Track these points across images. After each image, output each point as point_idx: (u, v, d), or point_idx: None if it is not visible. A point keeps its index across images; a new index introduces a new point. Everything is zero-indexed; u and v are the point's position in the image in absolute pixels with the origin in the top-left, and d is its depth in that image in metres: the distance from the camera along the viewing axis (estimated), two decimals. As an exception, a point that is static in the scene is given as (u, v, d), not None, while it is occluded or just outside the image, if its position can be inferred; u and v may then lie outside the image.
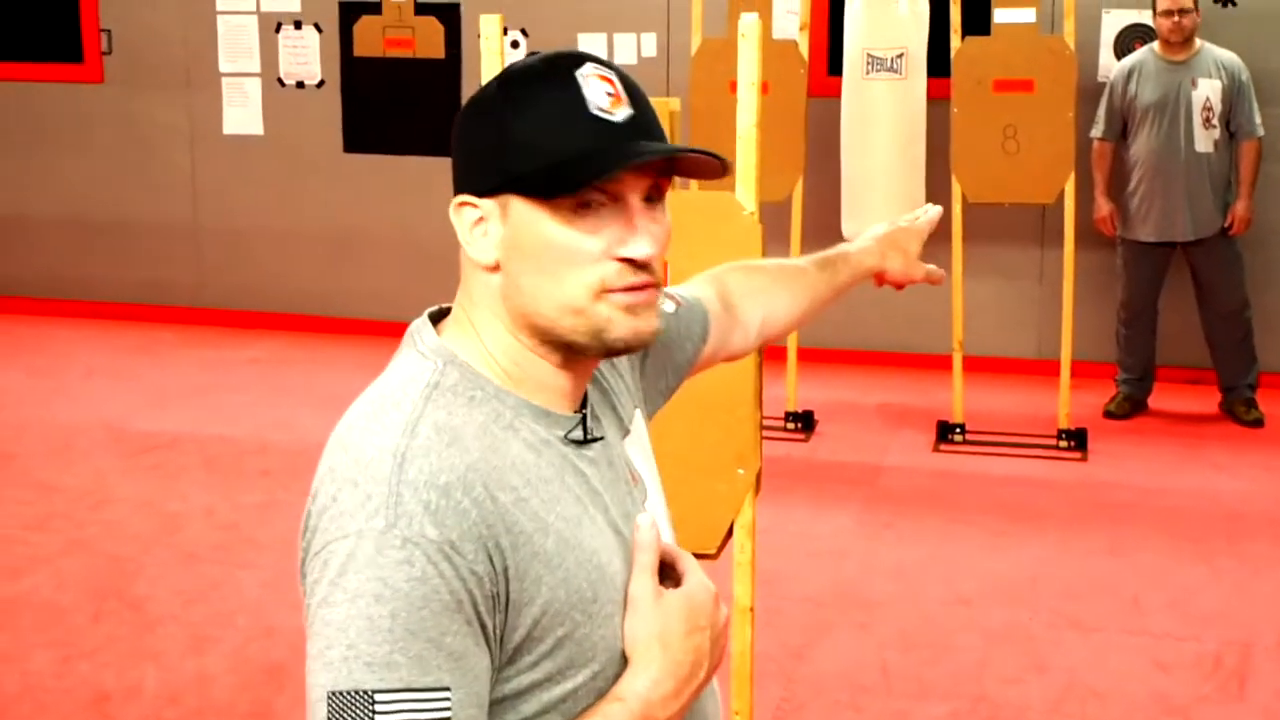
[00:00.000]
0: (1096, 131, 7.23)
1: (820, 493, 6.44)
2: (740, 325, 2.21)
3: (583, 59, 1.61)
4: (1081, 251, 7.36)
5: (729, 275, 2.24)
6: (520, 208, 1.58)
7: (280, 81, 8.90)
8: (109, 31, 9.10)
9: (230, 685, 4.74)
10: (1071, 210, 6.83)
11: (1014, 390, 7.81)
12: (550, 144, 1.56)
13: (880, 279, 2.44)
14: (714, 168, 1.65)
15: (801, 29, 7.05)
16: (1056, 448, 6.91)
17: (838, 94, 7.65)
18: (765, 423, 7.03)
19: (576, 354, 1.63)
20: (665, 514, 1.82)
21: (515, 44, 8.45)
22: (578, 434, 1.65)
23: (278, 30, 8.85)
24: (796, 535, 5.94)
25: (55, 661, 4.89)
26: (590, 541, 1.59)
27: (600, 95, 1.58)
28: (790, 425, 7.20)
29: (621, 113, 1.58)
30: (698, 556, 3.06)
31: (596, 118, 1.57)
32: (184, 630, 5.11)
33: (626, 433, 1.80)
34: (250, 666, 4.84)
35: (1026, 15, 6.74)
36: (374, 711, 1.43)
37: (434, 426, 1.53)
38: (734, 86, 7.01)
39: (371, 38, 8.67)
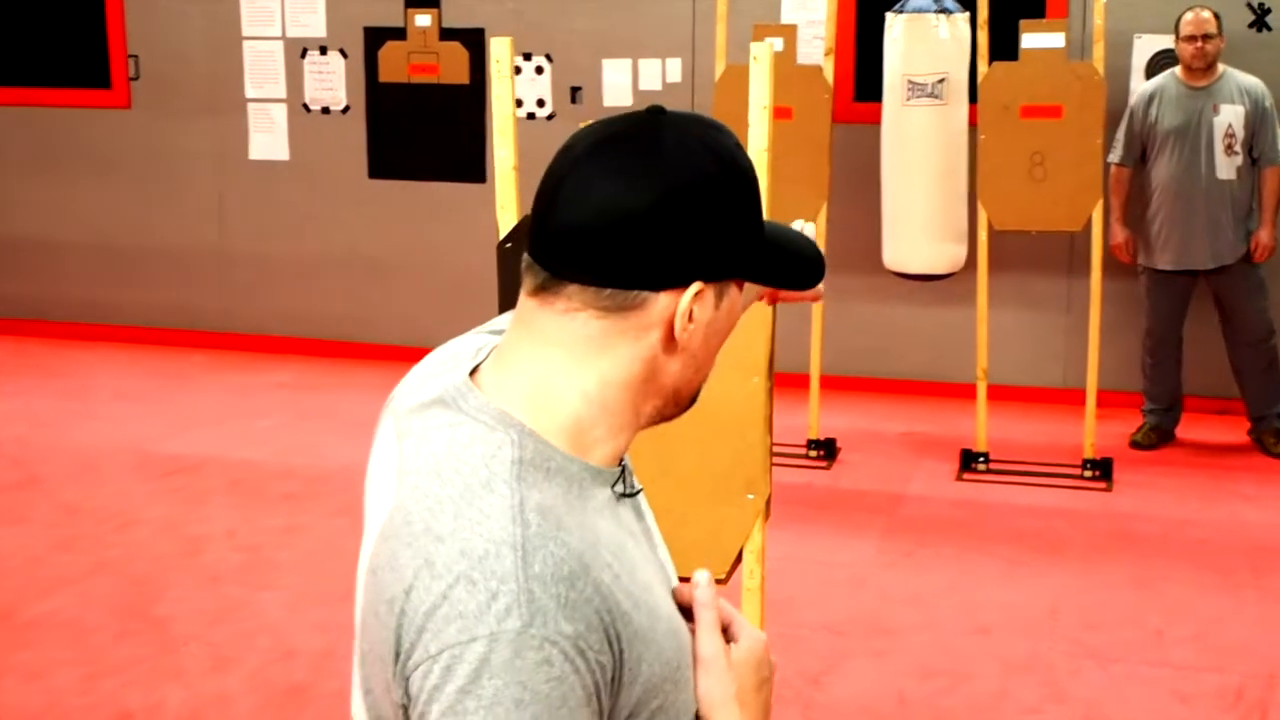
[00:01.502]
0: (1114, 156, 7.20)
1: (841, 521, 6.42)
2: None
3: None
4: (1109, 280, 7.35)
5: None
6: (735, 294, 1.60)
7: (306, 107, 8.93)
8: (136, 57, 9.16)
9: (250, 705, 4.75)
10: (1099, 238, 6.81)
11: (1040, 420, 7.78)
12: (788, 238, 1.68)
13: (771, 294, 2.29)
14: None
15: (826, 54, 7.06)
16: (1081, 477, 6.89)
17: (865, 120, 7.66)
18: (787, 450, 7.08)
19: (664, 419, 1.66)
20: (667, 552, 1.78)
21: (540, 70, 8.48)
22: (620, 487, 1.62)
23: (303, 56, 8.89)
24: (816, 563, 5.93)
25: (79, 680, 4.91)
26: (664, 606, 1.57)
27: None
28: (813, 453, 7.19)
29: None
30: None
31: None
32: (206, 650, 5.13)
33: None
34: (270, 687, 4.86)
35: (1055, 40, 6.72)
36: None
37: (539, 510, 1.47)
38: (758, 113, 7.04)
39: (396, 63, 8.71)
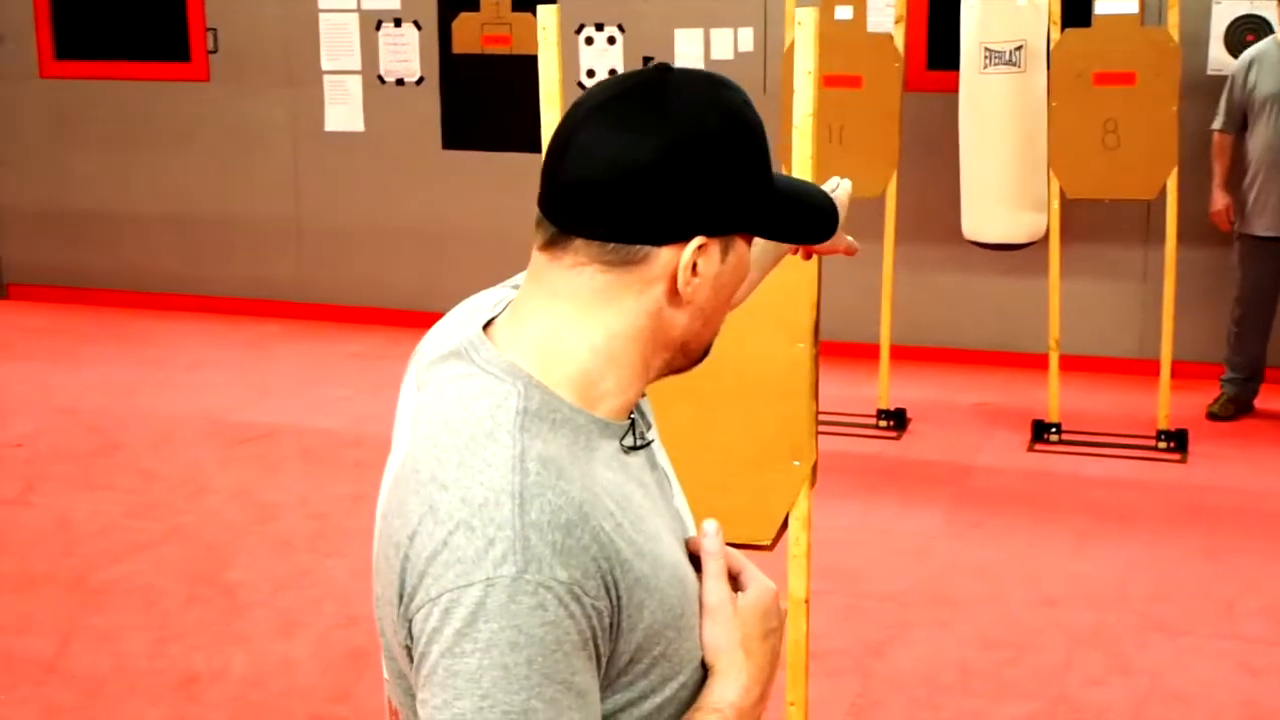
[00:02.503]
0: (1217, 124, 7.09)
1: (909, 491, 6.39)
2: None
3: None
4: (1188, 249, 7.27)
5: None
6: (742, 247, 1.61)
7: (380, 79, 8.97)
8: (214, 31, 9.23)
9: (313, 669, 4.81)
10: (1173, 207, 6.72)
11: (1115, 391, 7.71)
12: (800, 190, 1.69)
13: (807, 247, 2.37)
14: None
15: (897, 22, 7.01)
16: (1155, 449, 6.81)
17: (938, 88, 7.60)
18: (856, 420, 7.07)
19: (676, 371, 1.67)
20: (686, 507, 1.79)
21: (612, 40, 8.48)
22: (629, 439, 1.63)
23: (378, 28, 8.92)
24: (882, 533, 5.91)
25: (148, 643, 4.99)
26: (669, 554, 1.58)
27: None
28: (883, 423, 7.16)
29: None
30: (752, 548, 3.07)
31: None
32: (272, 615, 5.19)
33: (649, 425, 1.77)
34: (334, 652, 4.91)
35: (1128, 6, 6.63)
36: None
37: (539, 460, 1.50)
38: (827, 80, 7.04)
39: (470, 34, 8.72)
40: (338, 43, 8.99)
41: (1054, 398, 6.94)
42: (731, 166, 1.57)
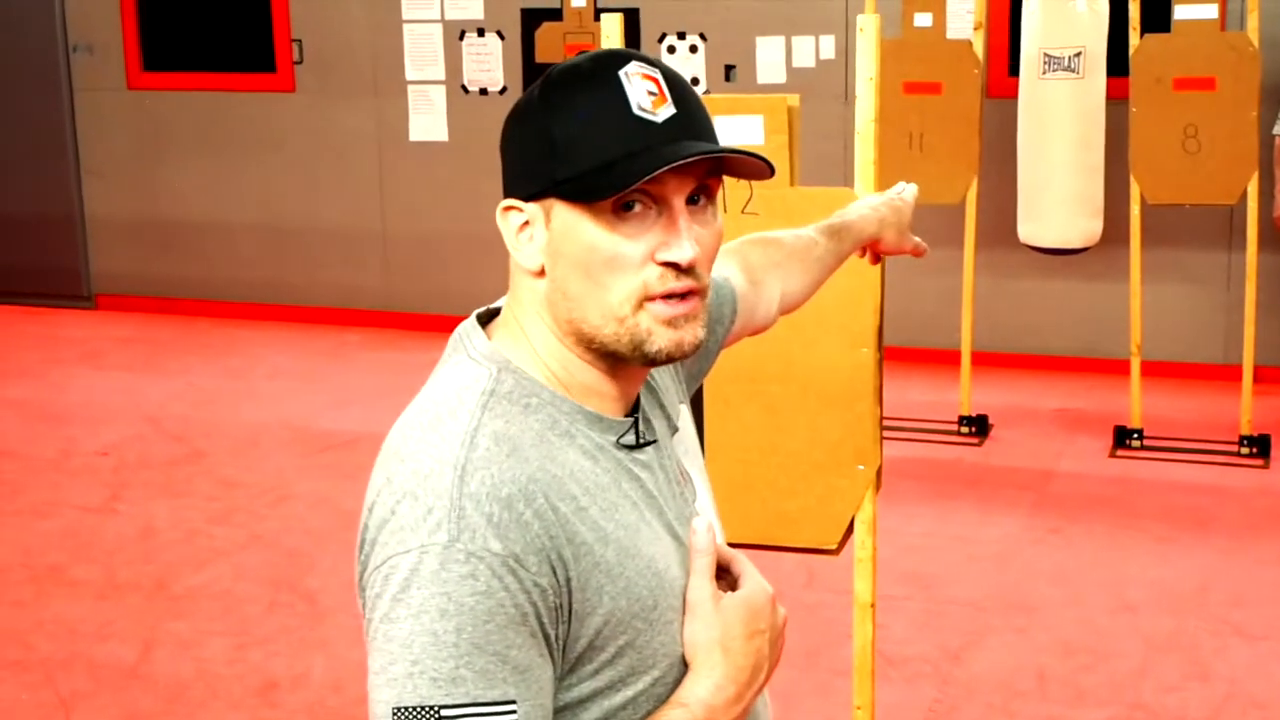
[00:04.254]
0: (1278, 129, 7.04)
1: (989, 497, 6.37)
2: (764, 300, 2.17)
3: (627, 58, 1.58)
4: (1273, 254, 7.21)
5: (749, 249, 2.20)
6: (563, 212, 1.57)
7: (464, 88, 9.04)
8: (300, 42, 9.33)
9: (390, 677, 4.84)
10: (1254, 211, 6.67)
11: (1198, 396, 7.64)
12: (589, 147, 1.54)
13: (874, 248, 2.43)
14: (760, 168, 1.62)
15: (976, 28, 6.99)
16: (1238, 454, 6.75)
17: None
18: (938, 427, 7.05)
19: (621, 362, 1.62)
20: (714, 512, 1.80)
21: (694, 49, 8.50)
22: (630, 438, 1.64)
23: (461, 38, 8.99)
24: (961, 539, 5.89)
25: (229, 649, 5.05)
26: (648, 548, 1.59)
27: (642, 95, 1.55)
28: (964, 429, 7.13)
29: (664, 112, 1.56)
30: (818, 551, 3.08)
31: (638, 118, 1.54)
32: (353, 622, 5.20)
33: (675, 430, 1.78)
34: (411, 659, 4.94)
35: (1208, 11, 6.59)
36: None
37: (493, 436, 1.52)
38: (907, 87, 7.04)
39: (553, 44, 8.77)
40: (422, 53, 9.07)
41: (1136, 403, 6.89)
42: (528, 129, 1.59)
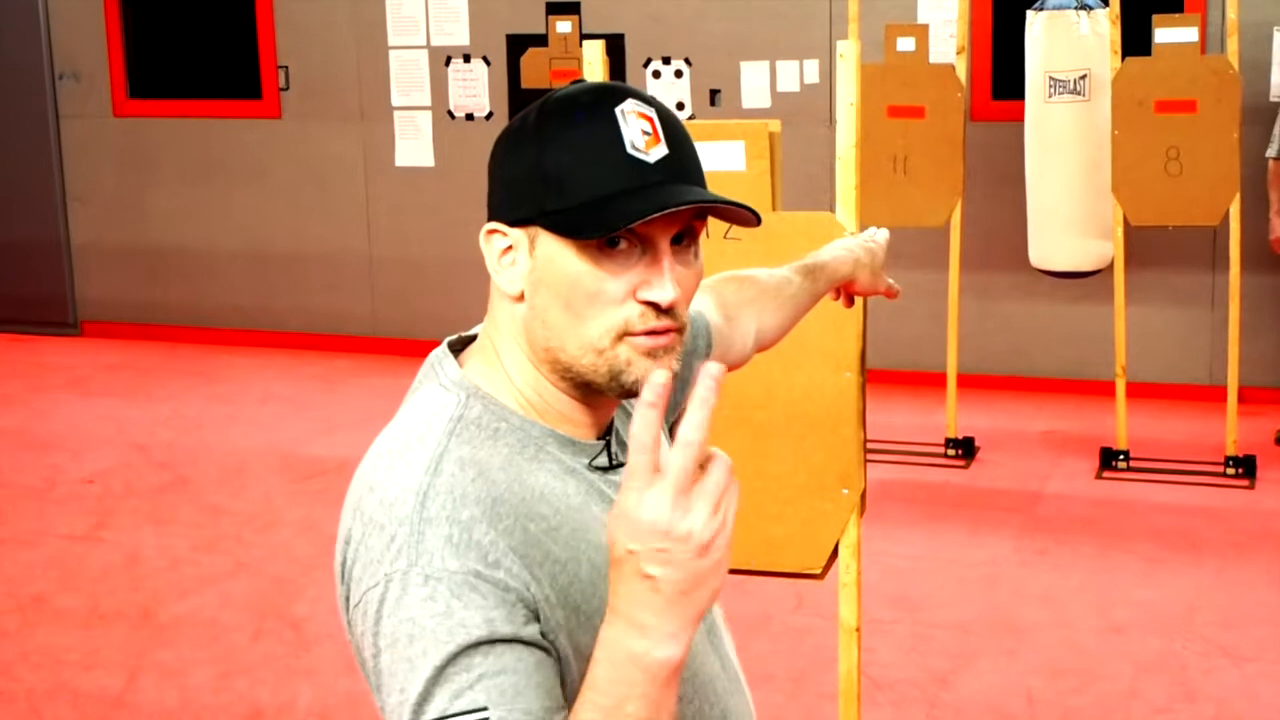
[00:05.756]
0: (1271, 151, 7.05)
1: (977, 520, 6.37)
2: (739, 335, 2.16)
3: (625, 94, 1.59)
4: (1256, 275, 7.23)
5: (724, 286, 2.20)
6: (548, 242, 1.57)
7: (450, 114, 9.05)
8: (286, 68, 9.35)
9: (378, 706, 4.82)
10: (1237, 232, 6.69)
11: (1184, 417, 7.66)
12: (581, 182, 1.54)
13: (848, 289, 2.43)
14: (747, 218, 1.63)
15: (959, 53, 7.02)
16: (1224, 475, 6.76)
17: (1005, 117, 7.60)
18: (924, 449, 7.05)
19: (595, 392, 1.61)
20: None
21: (679, 73, 8.52)
22: (602, 460, 1.65)
23: (447, 64, 9.01)
24: (948, 561, 5.90)
25: (214, 677, 5.04)
26: None
27: (636, 133, 1.56)
28: (951, 452, 7.14)
29: (656, 152, 1.56)
30: (803, 576, 3.08)
31: (631, 157, 1.55)
32: (339, 650, 5.22)
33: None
34: (398, 686, 4.93)
35: (1189, 34, 6.61)
36: None
37: (458, 462, 1.54)
38: (890, 111, 7.06)
39: (538, 69, 8.79)
40: (408, 79, 9.09)
41: (1122, 425, 6.90)
42: (519, 157, 1.59)
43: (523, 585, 1.49)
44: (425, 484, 1.51)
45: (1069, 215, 7.01)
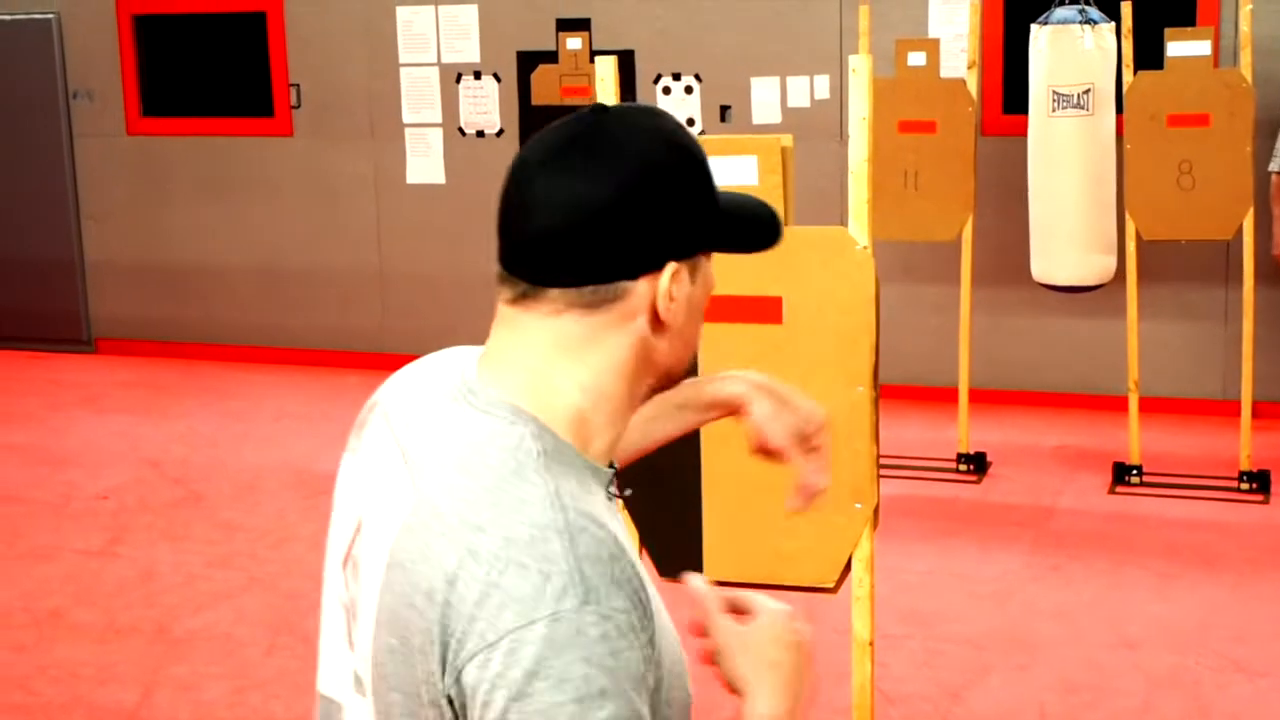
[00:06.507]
0: (1274, 165, 7.05)
1: (989, 535, 6.37)
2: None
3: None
4: (1271, 289, 7.24)
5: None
6: (706, 265, 1.65)
7: (461, 131, 9.08)
8: (298, 86, 9.37)
9: (391, 719, 4.83)
10: (1250, 246, 6.68)
11: (1197, 432, 7.65)
12: (743, 204, 1.71)
13: (741, 413, 2.07)
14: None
15: (970, 67, 7.03)
16: (1237, 490, 6.75)
17: (1016, 132, 7.60)
18: (936, 464, 7.05)
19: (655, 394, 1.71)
20: None
21: (689, 89, 8.53)
22: (613, 488, 1.67)
23: (458, 81, 9.03)
24: (960, 576, 5.89)
25: (229, 692, 5.05)
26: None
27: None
28: (962, 467, 7.13)
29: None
30: (816, 590, 3.08)
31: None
32: (352, 666, 5.22)
33: None
34: (411, 701, 4.94)
35: (1201, 48, 6.62)
36: None
37: (572, 497, 1.52)
38: (901, 126, 7.07)
39: (548, 86, 8.81)
40: (419, 96, 9.11)
41: (1135, 440, 6.90)
42: (686, 190, 1.61)
43: (648, 634, 1.51)
44: (561, 521, 1.49)
45: (1071, 230, 7.00)
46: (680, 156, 1.61)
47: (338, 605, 1.69)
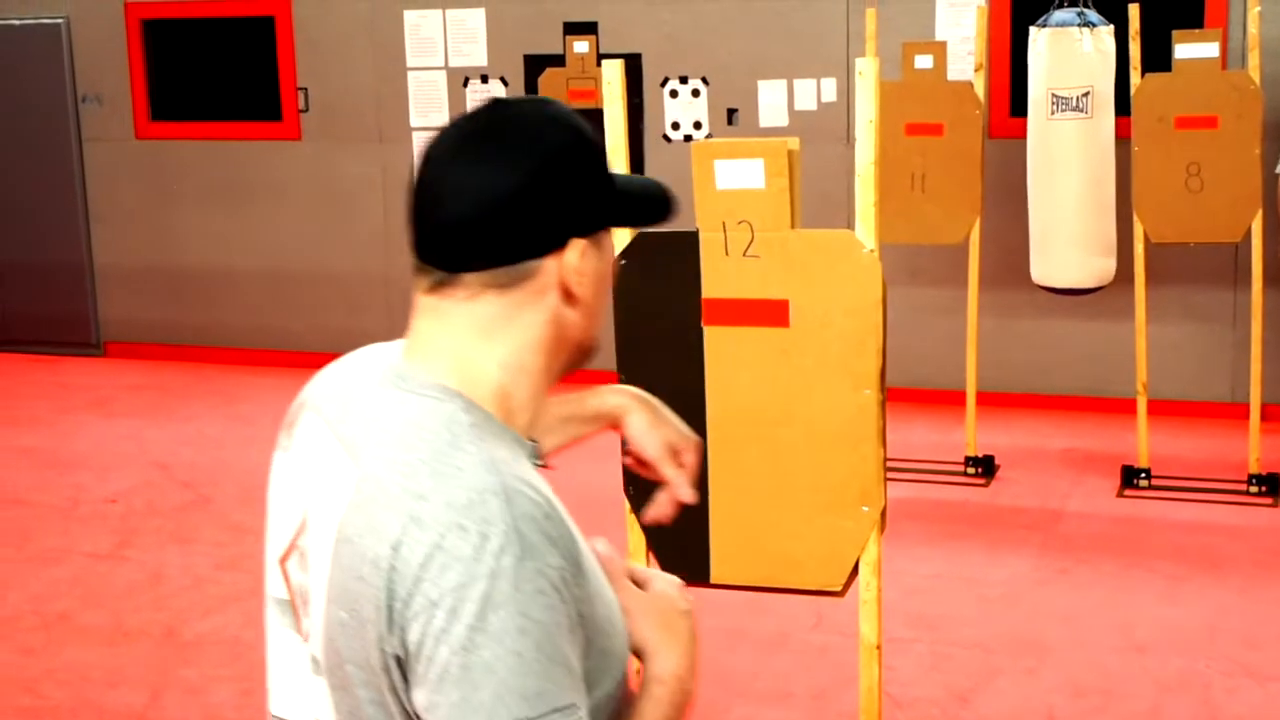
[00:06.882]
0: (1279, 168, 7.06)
1: (997, 538, 6.36)
2: None
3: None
4: (1278, 291, 7.20)
5: None
6: (608, 240, 1.75)
7: (469, 134, 9.07)
8: (305, 90, 9.38)
9: (399, 722, 4.83)
10: (1259, 249, 6.68)
11: (1206, 435, 7.64)
12: (638, 183, 1.83)
13: (620, 424, 2.19)
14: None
15: (977, 70, 7.02)
16: (1246, 493, 6.75)
17: (1022, 135, 7.59)
18: (944, 468, 7.04)
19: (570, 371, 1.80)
20: None
21: (696, 92, 8.53)
22: (535, 456, 1.74)
23: (465, 85, 9.04)
24: (969, 580, 5.89)
25: (236, 694, 5.05)
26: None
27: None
28: (970, 470, 7.13)
29: None
30: (824, 594, 3.08)
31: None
32: (360, 669, 5.22)
33: None
34: (419, 704, 4.94)
35: (1209, 50, 6.61)
36: None
37: (504, 462, 1.61)
38: (908, 128, 7.07)
39: (555, 89, 8.81)
40: (426, 100, 9.12)
41: (1143, 443, 6.89)
42: (584, 171, 1.71)
43: (578, 589, 1.60)
44: (497, 484, 1.57)
45: (1071, 232, 7.00)
46: (576, 140, 1.72)
47: (274, 604, 1.78)
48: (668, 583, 1.81)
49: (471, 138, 1.70)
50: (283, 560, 1.76)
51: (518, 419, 1.71)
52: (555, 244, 1.69)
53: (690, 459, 2.16)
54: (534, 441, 1.75)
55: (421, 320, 1.73)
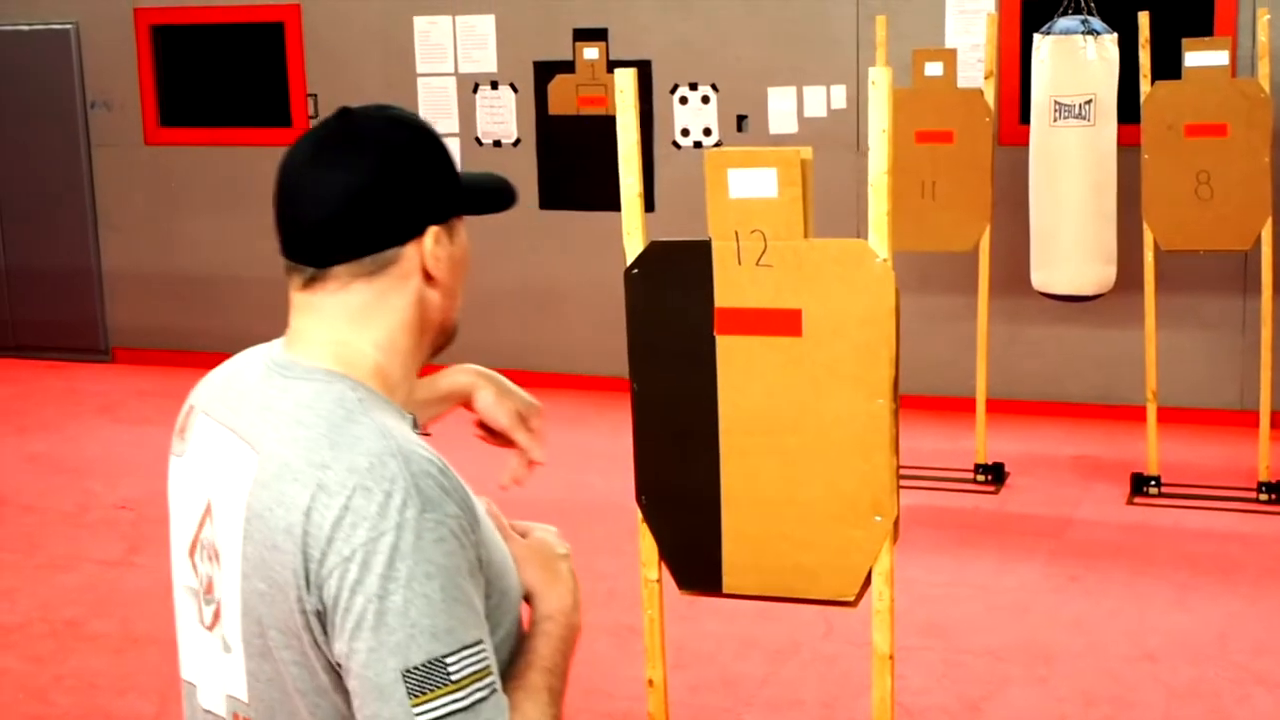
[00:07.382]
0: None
1: (1007, 546, 6.35)
2: None
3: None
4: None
5: None
6: (461, 227, 1.92)
7: (478, 140, 9.08)
8: (315, 96, 9.39)
9: None
10: (1269, 256, 6.67)
11: (1215, 442, 7.63)
12: (482, 177, 2.01)
13: (469, 409, 2.33)
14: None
15: (987, 77, 7.02)
16: (1256, 501, 6.73)
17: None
18: (954, 475, 7.04)
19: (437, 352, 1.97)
20: None
21: (706, 99, 8.53)
22: (417, 430, 1.87)
23: (475, 91, 9.04)
24: (979, 588, 5.88)
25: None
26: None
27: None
28: (980, 478, 7.12)
29: None
30: (837, 603, 3.08)
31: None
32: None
33: None
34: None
35: (1218, 58, 6.61)
36: (448, 672, 1.68)
37: (395, 428, 1.77)
38: (918, 136, 7.06)
39: (565, 96, 8.82)
40: (436, 106, 9.12)
41: (1153, 450, 6.88)
42: (430, 165, 1.88)
43: (475, 535, 1.77)
44: (394, 446, 1.73)
45: (1072, 239, 7.01)
46: (420, 138, 1.89)
47: (186, 592, 1.99)
48: (546, 530, 2.01)
49: (324, 144, 1.87)
50: (190, 552, 1.95)
51: (396, 395, 1.87)
52: (413, 231, 1.86)
53: (537, 423, 2.34)
54: (412, 415, 1.88)
55: (298, 317, 1.89)
